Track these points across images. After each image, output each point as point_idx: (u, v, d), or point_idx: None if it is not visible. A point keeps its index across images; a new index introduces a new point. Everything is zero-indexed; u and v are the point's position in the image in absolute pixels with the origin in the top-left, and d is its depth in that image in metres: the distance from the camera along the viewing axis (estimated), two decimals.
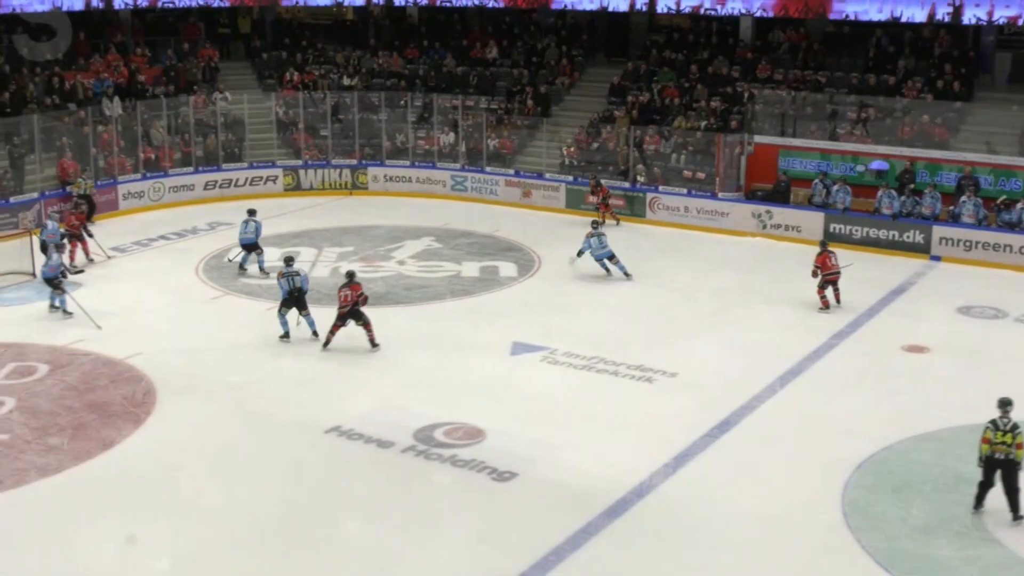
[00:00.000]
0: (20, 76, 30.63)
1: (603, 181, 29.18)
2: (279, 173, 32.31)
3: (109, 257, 24.04)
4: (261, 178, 32.07)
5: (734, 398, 17.52)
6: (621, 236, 27.47)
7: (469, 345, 19.96)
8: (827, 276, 21.78)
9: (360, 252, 25.90)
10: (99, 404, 17.25)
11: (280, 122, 33.54)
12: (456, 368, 18.89)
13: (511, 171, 31.51)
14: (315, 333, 20.05)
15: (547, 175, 31.06)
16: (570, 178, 30.56)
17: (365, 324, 19.71)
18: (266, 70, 35.32)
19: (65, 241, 23.44)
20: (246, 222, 24.01)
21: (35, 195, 28.10)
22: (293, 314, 19.98)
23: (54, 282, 21.22)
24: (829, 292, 21.76)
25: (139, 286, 23.19)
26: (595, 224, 24.78)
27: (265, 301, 22.06)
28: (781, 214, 27.66)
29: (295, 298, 19.95)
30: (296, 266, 20.57)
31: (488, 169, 31.75)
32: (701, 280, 23.97)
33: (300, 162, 32.69)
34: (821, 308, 21.78)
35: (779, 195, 28.20)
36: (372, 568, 12.93)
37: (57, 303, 21.27)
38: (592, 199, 28.97)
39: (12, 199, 27.70)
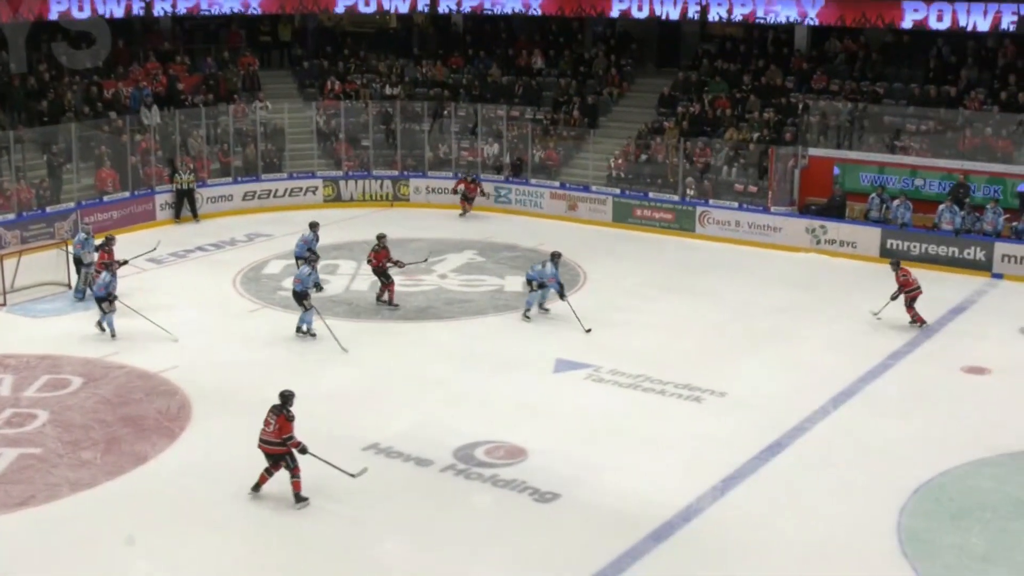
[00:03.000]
0: (59, 84, 31.06)
1: (479, 177, 31.51)
2: (319, 184, 32.51)
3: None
4: (301, 189, 32.28)
5: (785, 420, 17.39)
6: (670, 251, 27.40)
7: (511, 362, 19.96)
8: (910, 293, 21.57)
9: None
10: (133, 418, 17.40)
11: (321, 132, 33.77)
12: (498, 385, 18.90)
13: (556, 183, 31.52)
14: (298, 331, 21.10)
15: (594, 187, 31.04)
16: (617, 191, 30.53)
17: (387, 284, 22.72)
18: (307, 79, 35.57)
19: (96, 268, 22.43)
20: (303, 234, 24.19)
21: (72, 205, 28.42)
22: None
23: (103, 302, 20.89)
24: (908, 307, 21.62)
25: (175, 298, 23.35)
26: (554, 256, 22.55)
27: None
28: (836, 229, 27.48)
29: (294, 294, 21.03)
30: (306, 269, 21.40)
31: (533, 181, 31.78)
32: (752, 297, 23.84)
33: (341, 173, 32.89)
34: (922, 324, 21.59)
35: (834, 210, 28.03)
36: None
37: (104, 324, 20.99)
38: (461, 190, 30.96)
39: (49, 209, 28.05)
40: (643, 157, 31.31)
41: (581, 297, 23.78)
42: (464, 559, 13.58)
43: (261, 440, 14.72)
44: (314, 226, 24.14)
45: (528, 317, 22.15)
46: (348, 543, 13.91)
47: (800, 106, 30.27)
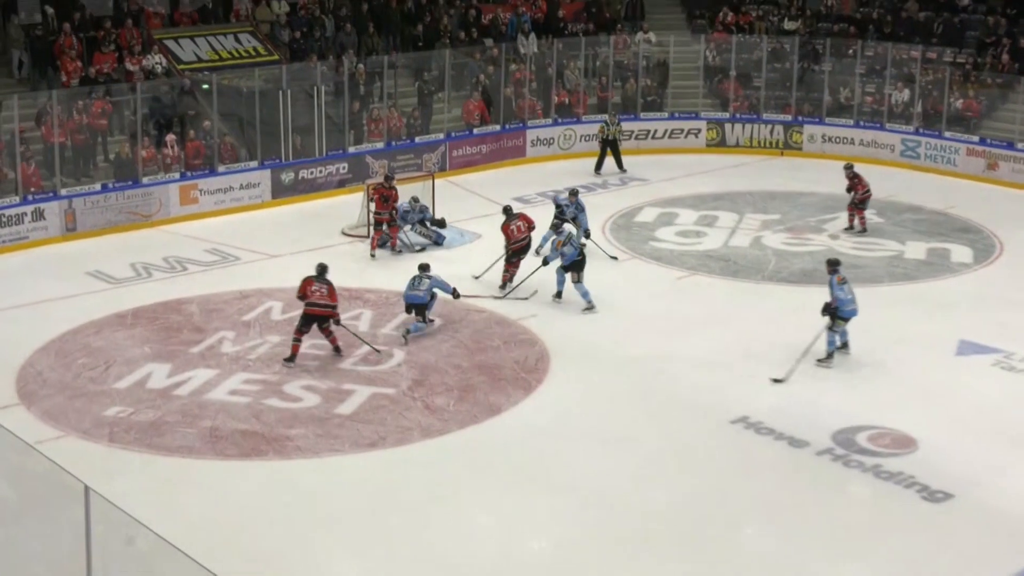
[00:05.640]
0: (436, 8, 32.44)
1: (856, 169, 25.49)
2: (702, 126, 32.50)
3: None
4: (682, 130, 32.35)
5: None
6: None
7: (906, 339, 19.35)
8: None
9: (787, 222, 25.65)
10: (489, 366, 18.11)
11: (708, 68, 33.67)
12: (888, 364, 18.38)
13: (975, 138, 30.13)
14: (590, 304, 20.30)
15: (1019, 145, 29.47)
16: None
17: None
18: (697, 9, 35.54)
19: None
20: (418, 278, 19.41)
21: (440, 136, 29.72)
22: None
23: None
24: None
25: (536, 241, 23.96)
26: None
27: (678, 269, 22.30)
28: None
29: (579, 262, 20.32)
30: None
31: (948, 134, 30.50)
32: None
33: (727, 115, 32.73)
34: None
35: None
36: None
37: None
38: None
39: (418, 139, 29.44)
40: None
41: (993, 270, 22.79)
42: (835, 555, 13.35)
43: (314, 304, 17.89)
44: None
45: None
46: (702, 522, 13.95)
47: None
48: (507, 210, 22.07)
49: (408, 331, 19.00)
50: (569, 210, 23.09)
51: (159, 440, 15.65)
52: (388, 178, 23.80)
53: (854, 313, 18.24)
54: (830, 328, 18.25)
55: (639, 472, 15.07)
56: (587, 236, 21.94)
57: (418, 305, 19.16)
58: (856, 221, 24.98)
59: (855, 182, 24.81)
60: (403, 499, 14.43)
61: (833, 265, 18.65)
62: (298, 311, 18.98)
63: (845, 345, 18.56)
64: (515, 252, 21.27)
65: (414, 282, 19.20)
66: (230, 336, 19.04)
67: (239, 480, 14.89)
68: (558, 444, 15.82)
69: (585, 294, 20.32)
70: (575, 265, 20.37)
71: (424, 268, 19.52)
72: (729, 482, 14.93)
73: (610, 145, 29.82)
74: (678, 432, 16.19)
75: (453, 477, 14.97)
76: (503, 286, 21.11)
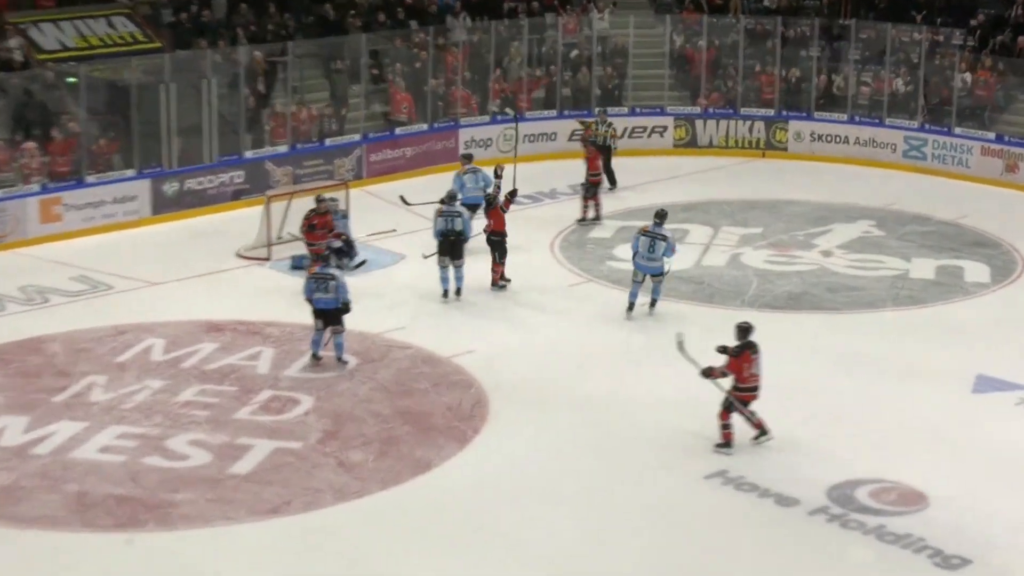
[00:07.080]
0: None
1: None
2: (669, 123, 32.67)
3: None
4: (644, 129, 32.53)
5: None
6: None
7: (913, 374, 19.47)
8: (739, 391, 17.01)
9: (771, 236, 25.81)
10: (415, 414, 17.98)
11: (675, 55, 33.77)
12: (894, 404, 18.46)
13: (991, 135, 30.50)
14: (459, 291, 22.08)
15: None
16: None
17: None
18: None
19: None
20: (319, 280, 19.12)
21: (356, 137, 29.59)
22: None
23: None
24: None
25: (477, 262, 23.88)
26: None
27: (640, 293, 22.25)
28: None
29: (450, 243, 21.71)
30: (459, 207, 22.23)
31: (958, 131, 30.84)
32: None
33: (698, 110, 32.87)
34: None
35: None
36: None
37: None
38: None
39: (328, 142, 29.29)
40: None
41: (1015, 291, 23.12)
42: None
43: None
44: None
45: None
46: None
47: None
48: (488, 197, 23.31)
49: (341, 359, 19.26)
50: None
51: (14, 509, 15.38)
52: (320, 200, 23.09)
53: (645, 269, 21.09)
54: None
55: (597, 536, 14.96)
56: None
57: (330, 312, 19.03)
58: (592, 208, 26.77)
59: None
60: (313, 575, 14.25)
61: (656, 216, 21.56)
62: (183, 350, 18.81)
63: (654, 303, 21.42)
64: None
65: (317, 283, 18.95)
66: (101, 381, 18.80)
67: (114, 556, 14.60)
68: (500, 504, 15.71)
69: (459, 279, 22.08)
70: (442, 246, 21.80)
71: (325, 260, 19.60)
72: (705, 548, 14.87)
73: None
74: (643, 488, 16.14)
75: (373, 547, 14.79)
76: (495, 285, 22.83)
